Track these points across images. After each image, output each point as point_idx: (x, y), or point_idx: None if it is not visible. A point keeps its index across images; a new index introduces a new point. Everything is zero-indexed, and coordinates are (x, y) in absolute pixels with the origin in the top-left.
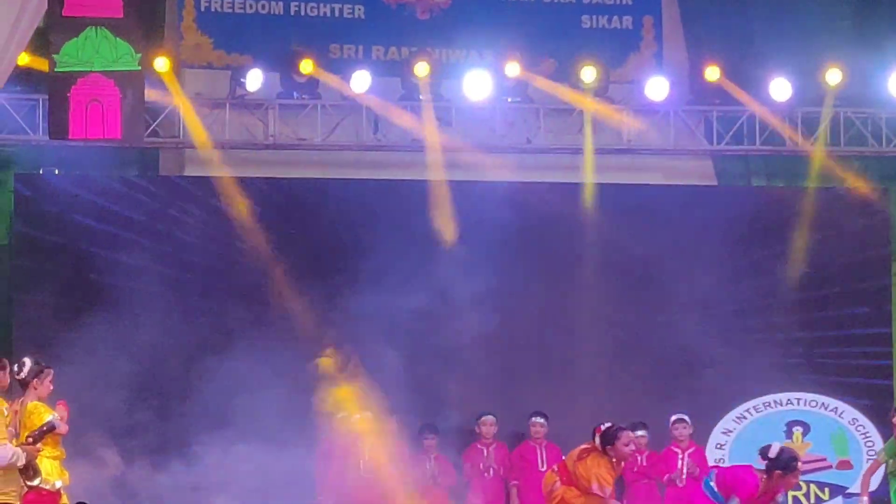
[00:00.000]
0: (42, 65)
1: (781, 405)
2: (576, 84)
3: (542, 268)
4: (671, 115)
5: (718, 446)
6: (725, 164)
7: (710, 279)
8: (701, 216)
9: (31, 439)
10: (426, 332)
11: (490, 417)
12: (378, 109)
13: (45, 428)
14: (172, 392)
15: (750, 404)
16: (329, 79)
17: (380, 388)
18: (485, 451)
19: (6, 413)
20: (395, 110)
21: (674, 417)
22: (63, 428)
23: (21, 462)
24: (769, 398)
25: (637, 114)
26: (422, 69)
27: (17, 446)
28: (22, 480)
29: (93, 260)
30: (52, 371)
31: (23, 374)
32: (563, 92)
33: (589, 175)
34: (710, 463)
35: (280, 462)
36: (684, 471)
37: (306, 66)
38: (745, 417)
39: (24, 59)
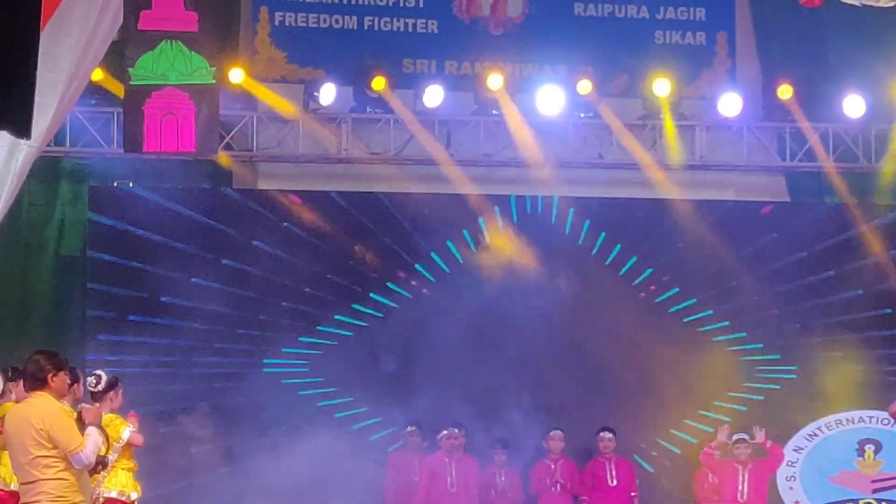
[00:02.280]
0: (114, 85)
1: (853, 423)
2: (649, 99)
3: (612, 283)
4: (744, 131)
5: (790, 464)
6: (798, 181)
7: (781, 296)
8: (773, 232)
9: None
10: (496, 347)
11: (558, 433)
12: (450, 124)
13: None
14: (240, 408)
15: (822, 422)
16: (398, 95)
17: (450, 402)
18: (552, 467)
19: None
20: (467, 125)
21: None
22: (138, 439)
23: (101, 450)
24: (841, 416)
25: (709, 130)
26: (495, 82)
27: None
28: (91, 485)
29: (164, 274)
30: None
31: (100, 387)
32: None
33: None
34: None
35: (335, 474)
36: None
37: (378, 83)
38: (816, 435)
39: (97, 76)
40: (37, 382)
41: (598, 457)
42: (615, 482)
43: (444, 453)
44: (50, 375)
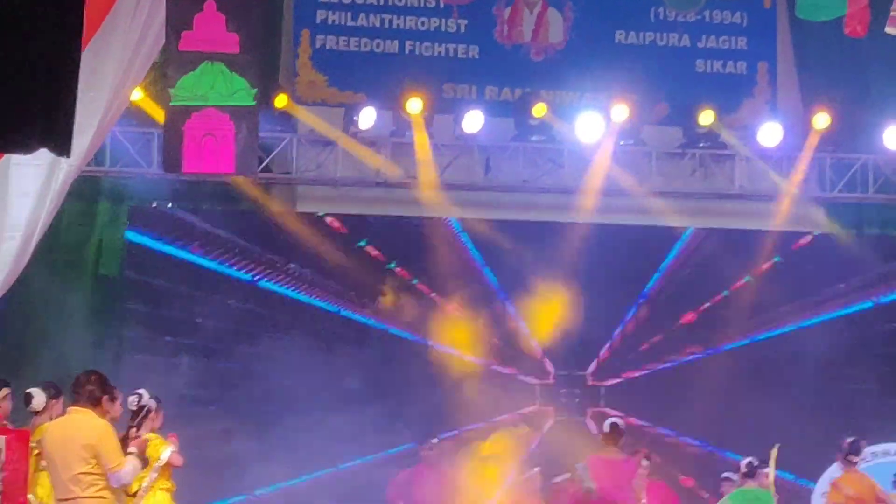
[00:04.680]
0: (152, 107)
1: (890, 455)
2: (690, 128)
3: (649, 310)
4: (784, 161)
5: (823, 494)
6: (838, 212)
7: (818, 325)
8: (812, 262)
9: (132, 427)
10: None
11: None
12: (490, 149)
13: (144, 413)
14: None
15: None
16: (442, 119)
17: None
18: None
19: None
20: (507, 150)
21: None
22: (178, 459)
23: (139, 471)
24: (877, 448)
25: (749, 160)
26: (539, 110)
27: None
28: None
29: (200, 295)
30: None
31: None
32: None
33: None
34: None
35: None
36: None
37: (414, 106)
38: None
39: (136, 97)
40: (89, 401)
41: None
42: None
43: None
44: (105, 398)
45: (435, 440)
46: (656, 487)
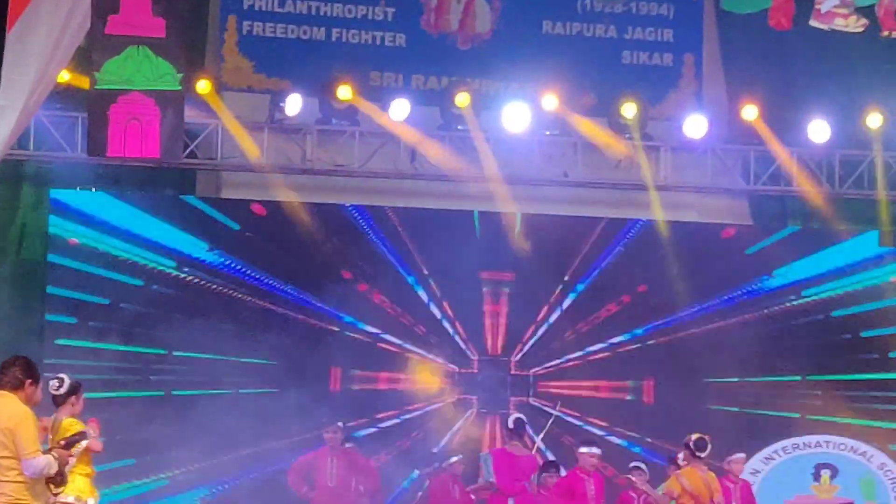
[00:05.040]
0: (83, 82)
1: (810, 447)
2: (615, 120)
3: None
4: (708, 153)
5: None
6: (761, 205)
7: (742, 316)
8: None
9: (63, 442)
10: None
11: (740, 455)
12: (416, 138)
13: (76, 437)
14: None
15: (778, 446)
16: (367, 106)
17: None
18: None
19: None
20: (432, 140)
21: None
22: (97, 445)
23: (52, 471)
24: (798, 440)
25: (674, 151)
26: (463, 99)
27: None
28: (49, 492)
29: (124, 280)
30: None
31: (62, 390)
32: (601, 131)
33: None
34: None
35: None
36: None
37: (345, 93)
38: (773, 458)
39: (63, 77)
40: (12, 386)
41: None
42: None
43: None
44: (28, 383)
45: (340, 424)
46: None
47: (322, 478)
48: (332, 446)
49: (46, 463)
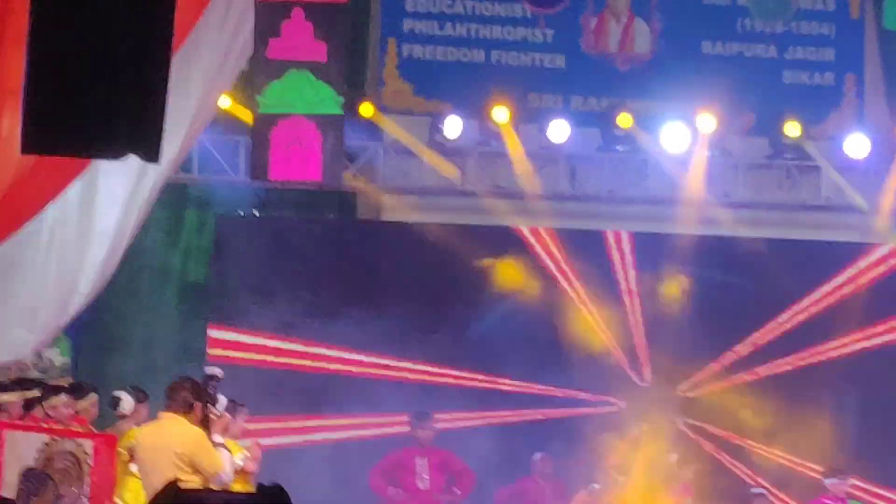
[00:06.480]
0: (243, 113)
1: None
2: (776, 140)
3: (724, 324)
4: (871, 173)
5: None
6: None
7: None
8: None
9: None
10: None
11: None
12: (576, 159)
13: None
14: None
15: None
16: (526, 129)
17: None
18: None
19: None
20: (592, 160)
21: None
22: (252, 466)
23: (236, 464)
24: None
25: (836, 171)
26: (625, 120)
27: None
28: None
29: (288, 302)
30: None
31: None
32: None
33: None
34: None
35: None
36: None
37: (500, 114)
38: None
39: (225, 104)
40: (182, 407)
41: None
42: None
43: None
44: (199, 406)
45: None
46: None
47: (409, 480)
48: (422, 443)
49: (229, 461)
